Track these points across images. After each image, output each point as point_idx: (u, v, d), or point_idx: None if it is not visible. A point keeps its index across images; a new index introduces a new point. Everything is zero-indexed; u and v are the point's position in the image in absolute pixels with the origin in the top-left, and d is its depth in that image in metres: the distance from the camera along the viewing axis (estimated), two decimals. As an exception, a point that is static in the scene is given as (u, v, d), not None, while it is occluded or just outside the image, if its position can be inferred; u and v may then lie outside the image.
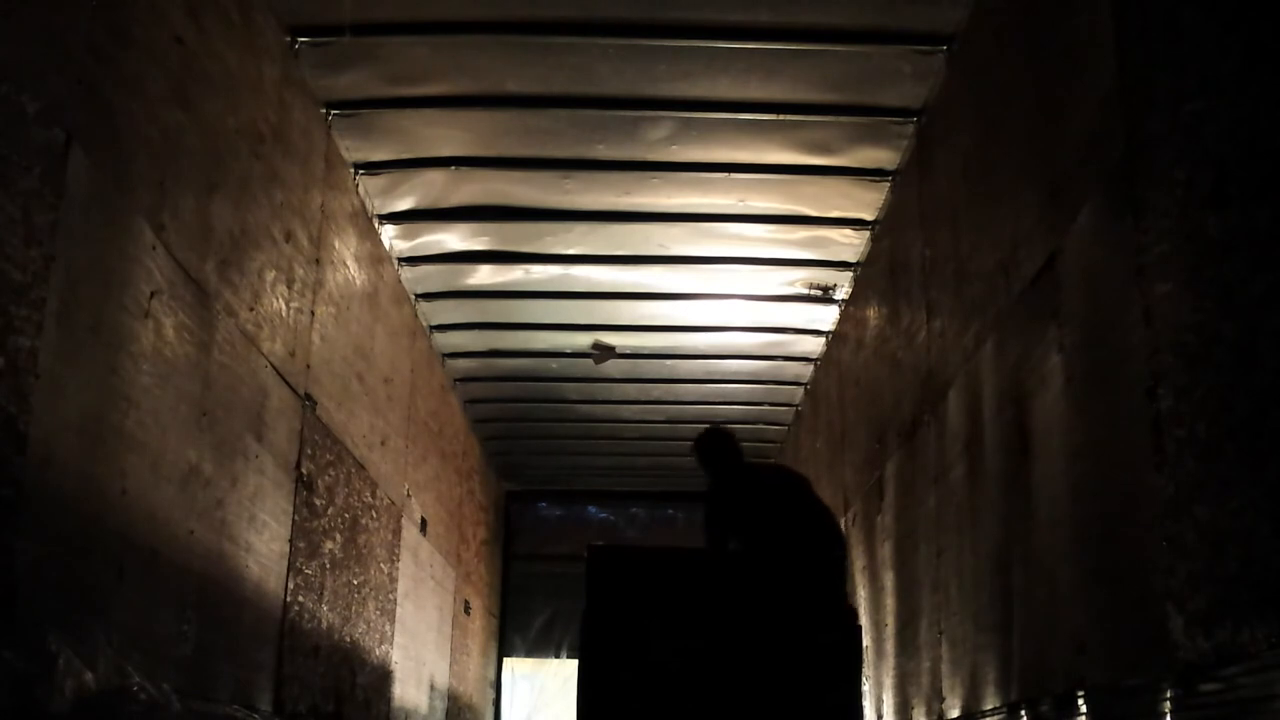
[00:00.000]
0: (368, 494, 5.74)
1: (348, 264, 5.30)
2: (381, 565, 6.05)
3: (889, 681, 5.29)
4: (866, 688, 5.71)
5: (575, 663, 2.67)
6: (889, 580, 5.39)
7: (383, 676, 6.08)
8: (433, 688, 7.58)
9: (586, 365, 7.77)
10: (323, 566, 4.93)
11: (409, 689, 6.77)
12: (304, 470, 4.65)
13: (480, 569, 9.64)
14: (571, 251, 6.24)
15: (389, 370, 6.19)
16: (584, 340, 7.44)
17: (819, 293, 6.64)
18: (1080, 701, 2.92)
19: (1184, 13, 2.44)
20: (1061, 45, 3.19)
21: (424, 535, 7.17)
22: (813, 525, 4.58)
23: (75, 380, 2.81)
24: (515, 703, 11.26)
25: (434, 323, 7.16)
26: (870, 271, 6.02)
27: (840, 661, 2.66)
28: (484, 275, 6.56)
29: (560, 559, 11.13)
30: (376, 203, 5.66)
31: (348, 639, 5.37)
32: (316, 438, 4.84)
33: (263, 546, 4.16)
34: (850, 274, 6.34)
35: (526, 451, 9.97)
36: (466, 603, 8.94)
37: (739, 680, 2.62)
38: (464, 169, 5.42)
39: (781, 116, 4.92)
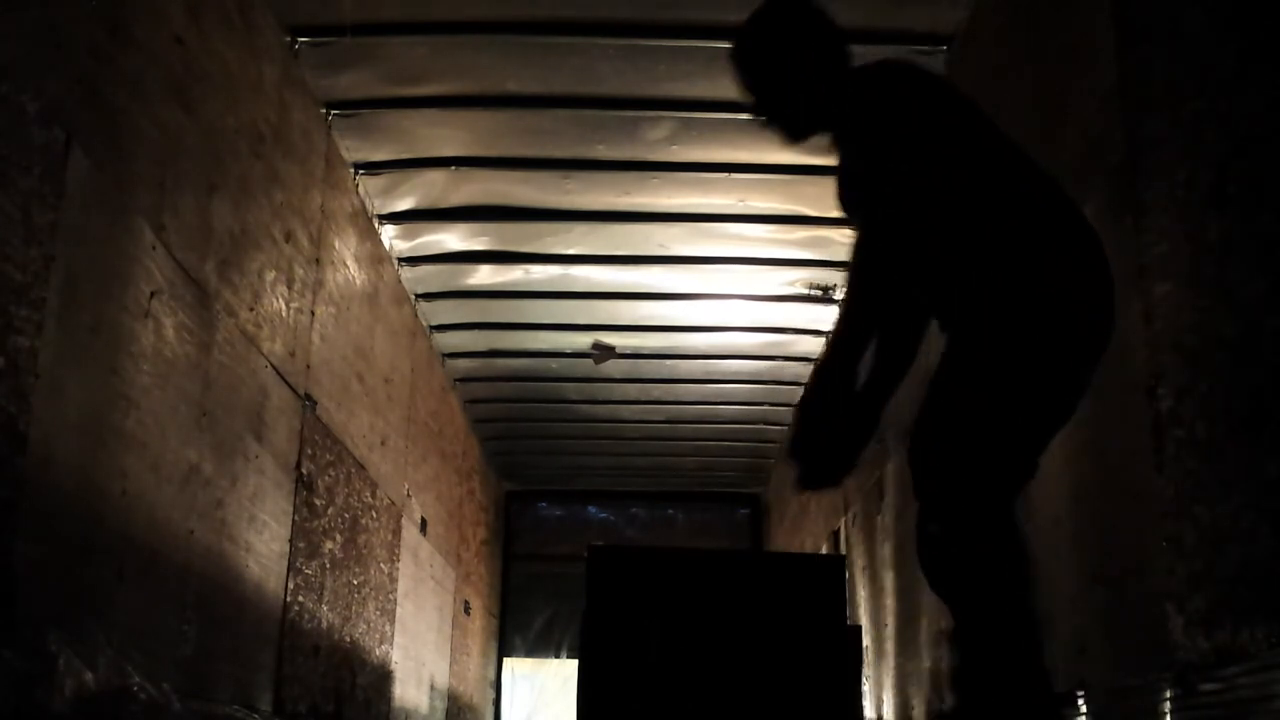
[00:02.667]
0: (368, 494, 5.74)
1: (348, 264, 5.31)
2: (381, 565, 6.05)
3: (889, 681, 5.29)
4: (867, 688, 5.71)
5: (575, 663, 2.67)
6: (889, 580, 5.39)
7: (383, 677, 6.09)
8: (433, 688, 7.58)
9: (586, 365, 7.77)
10: (323, 566, 4.93)
11: (409, 689, 6.77)
12: (304, 470, 4.65)
13: (480, 569, 9.64)
14: (571, 251, 6.24)
15: (389, 370, 6.19)
16: (584, 340, 7.44)
17: (819, 293, 6.63)
18: (1080, 701, 2.92)
19: (1184, 13, 2.44)
20: (1061, 46, 3.19)
21: (424, 535, 7.17)
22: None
23: (75, 380, 2.81)
24: (515, 703, 11.26)
25: (434, 323, 7.16)
26: (870, 271, 6.01)
27: (838, 670, 2.63)
28: (484, 275, 6.55)
29: (560, 559, 11.13)
30: (376, 203, 5.66)
31: (348, 639, 5.37)
32: (316, 438, 4.84)
33: (263, 547, 4.16)
34: (850, 274, 6.33)
35: (526, 451, 9.97)
36: (466, 603, 8.94)
37: (739, 683, 2.62)
38: (464, 169, 5.42)
39: (781, 116, 4.91)
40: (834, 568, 2.68)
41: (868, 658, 5.72)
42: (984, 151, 2.36)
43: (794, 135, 2.66)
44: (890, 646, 5.27)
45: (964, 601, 2.29)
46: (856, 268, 2.36)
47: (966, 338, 2.35)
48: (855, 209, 2.42)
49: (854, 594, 6.15)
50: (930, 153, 2.33)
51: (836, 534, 6.82)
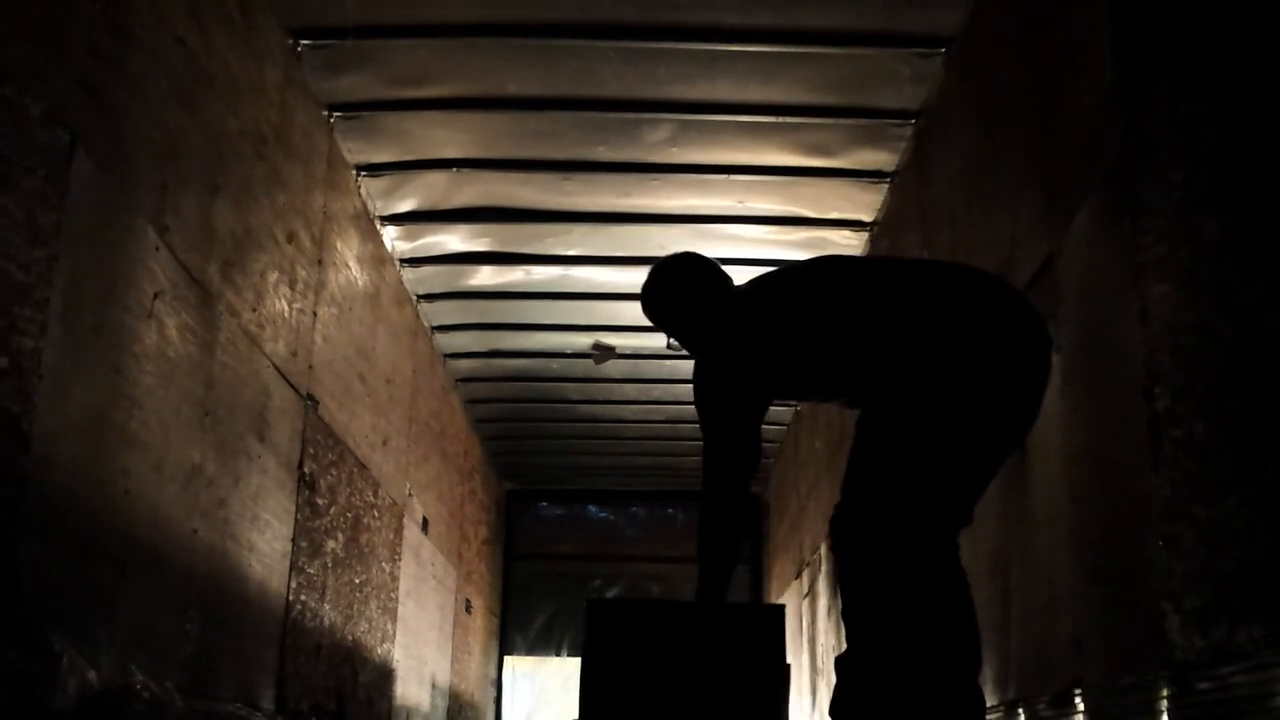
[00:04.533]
0: (370, 493, 5.76)
1: (350, 265, 5.32)
2: (383, 564, 6.06)
3: (889, 681, 5.30)
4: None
5: (576, 660, 2.86)
6: (889, 580, 5.40)
7: (385, 675, 6.10)
8: (434, 686, 7.60)
9: (587, 365, 7.79)
10: (325, 566, 4.95)
11: (411, 687, 6.79)
12: (306, 470, 4.67)
13: (481, 568, 9.66)
14: (572, 253, 6.26)
15: (390, 371, 6.21)
16: (584, 341, 7.46)
17: (819, 293, 6.64)
18: (1078, 700, 2.93)
19: (1182, 14, 2.46)
20: (1059, 47, 3.20)
21: (425, 534, 7.19)
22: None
23: (79, 380, 2.83)
24: (516, 701, 11.28)
25: (435, 324, 7.17)
26: (870, 272, 6.02)
27: (774, 703, 3.01)
28: (485, 276, 6.57)
29: (561, 558, 11.17)
30: (378, 204, 5.67)
31: (350, 638, 5.38)
32: (319, 438, 4.86)
33: (265, 546, 4.17)
34: (850, 275, 6.34)
35: (527, 451, 9.99)
36: (468, 601, 8.95)
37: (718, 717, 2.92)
38: (465, 171, 5.44)
39: (781, 119, 4.93)
40: (773, 616, 3.09)
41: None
42: (855, 290, 2.87)
43: (703, 354, 3.09)
44: (890, 646, 5.28)
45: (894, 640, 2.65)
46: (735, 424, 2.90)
47: (879, 413, 2.77)
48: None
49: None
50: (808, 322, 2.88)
51: (836, 534, 6.81)
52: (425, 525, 7.18)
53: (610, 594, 11.14)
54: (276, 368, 4.29)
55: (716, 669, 2.78)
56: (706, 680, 2.76)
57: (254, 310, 4.06)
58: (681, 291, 3.14)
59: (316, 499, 4.82)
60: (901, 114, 4.84)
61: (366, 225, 5.62)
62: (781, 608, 3.43)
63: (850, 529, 2.72)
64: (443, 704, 7.91)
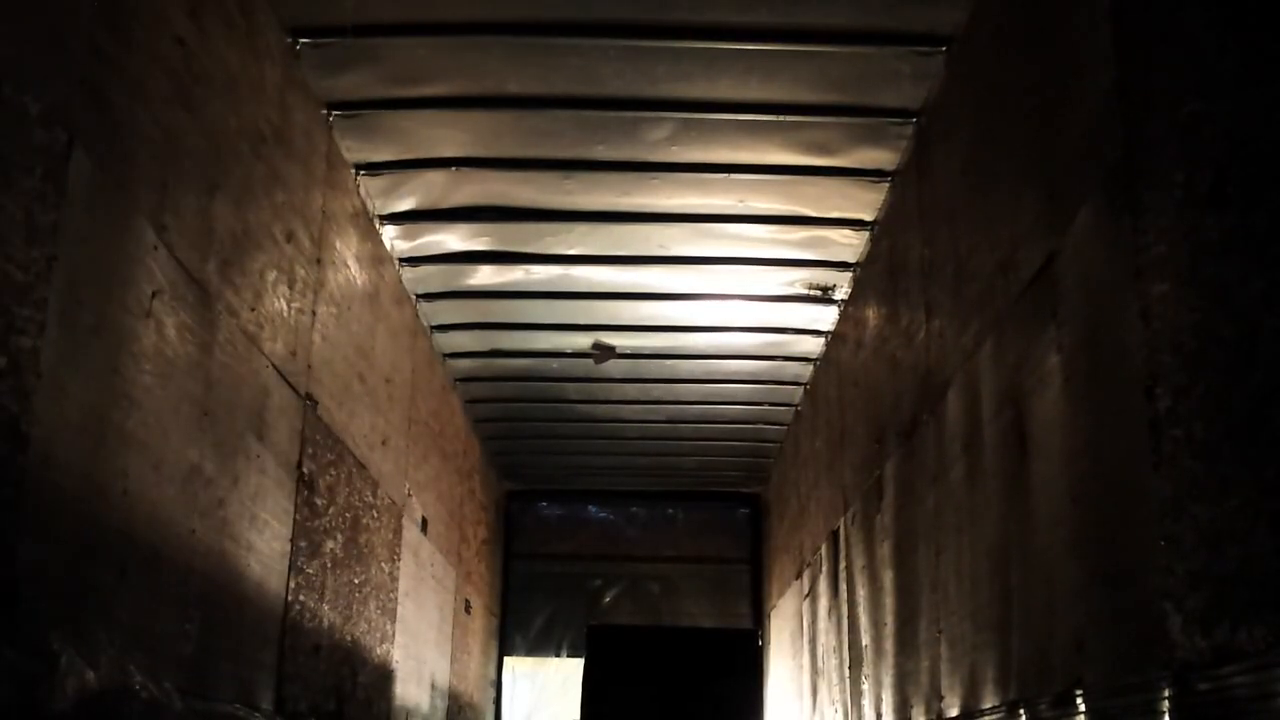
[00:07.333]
0: (369, 493, 5.75)
1: (349, 264, 5.31)
2: (382, 564, 6.06)
3: (888, 680, 5.30)
4: (866, 687, 5.73)
5: (575, 661, 2.88)
6: (888, 580, 5.40)
7: (384, 675, 6.10)
8: (433, 687, 7.59)
9: (587, 365, 7.79)
10: (324, 566, 4.94)
11: (410, 688, 6.78)
12: (305, 470, 4.66)
13: (481, 568, 9.65)
14: (572, 252, 6.26)
15: (390, 370, 6.20)
16: (584, 340, 7.46)
17: (818, 293, 6.65)
18: (1079, 700, 2.93)
19: (1183, 14, 2.45)
20: (1060, 46, 3.20)
21: (425, 534, 7.19)
22: None
23: (77, 380, 2.82)
24: (515, 701, 11.27)
25: (435, 323, 7.17)
26: (869, 272, 6.03)
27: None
28: (484, 275, 6.57)
29: (560, 558, 11.16)
30: (377, 203, 5.67)
31: (349, 638, 5.38)
32: (318, 437, 4.85)
33: (264, 546, 4.17)
34: (849, 274, 6.35)
35: (527, 451, 9.98)
36: (467, 602, 8.95)
37: None
38: (465, 170, 5.43)
39: (781, 117, 4.93)
40: (749, 640, 3.29)
41: (868, 656, 5.74)
42: None
43: None
44: (889, 645, 5.28)
45: None
46: None
47: None
48: None
49: (854, 593, 6.17)
50: None
51: (836, 533, 6.83)
52: (424, 525, 7.17)
53: (611, 594, 11.14)
54: (275, 367, 4.29)
55: (703, 685, 2.90)
56: (694, 695, 2.88)
57: (253, 310, 4.05)
58: None
59: (315, 499, 4.82)
60: (902, 113, 4.83)
61: (365, 224, 5.61)
62: (755, 632, 3.53)
63: None
64: (442, 705, 7.91)
